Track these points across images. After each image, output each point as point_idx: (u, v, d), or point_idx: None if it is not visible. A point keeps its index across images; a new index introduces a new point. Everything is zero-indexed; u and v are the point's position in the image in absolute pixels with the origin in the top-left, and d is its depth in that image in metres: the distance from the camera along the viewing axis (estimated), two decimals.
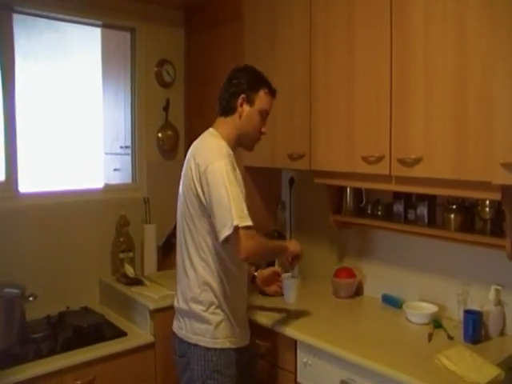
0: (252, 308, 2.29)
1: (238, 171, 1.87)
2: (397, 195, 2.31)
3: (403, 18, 1.93)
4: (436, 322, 2.09)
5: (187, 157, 1.99)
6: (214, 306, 1.89)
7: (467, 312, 1.97)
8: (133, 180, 3.18)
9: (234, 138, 1.97)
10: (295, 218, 2.89)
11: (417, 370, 1.70)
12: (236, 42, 2.78)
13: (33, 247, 2.60)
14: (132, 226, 2.94)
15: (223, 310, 1.90)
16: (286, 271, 2.30)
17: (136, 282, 2.71)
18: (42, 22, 3.09)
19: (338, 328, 2.12)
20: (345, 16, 2.16)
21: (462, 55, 1.74)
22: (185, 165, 2.00)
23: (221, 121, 2.00)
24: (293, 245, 2.06)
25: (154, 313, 2.43)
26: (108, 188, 3.09)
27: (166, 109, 3.20)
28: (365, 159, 2.10)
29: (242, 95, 1.95)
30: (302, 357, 2.07)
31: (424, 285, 2.30)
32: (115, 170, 3.60)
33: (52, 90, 4.13)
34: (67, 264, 2.73)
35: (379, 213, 2.41)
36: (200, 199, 1.83)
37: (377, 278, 2.51)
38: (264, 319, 2.22)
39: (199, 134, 3.31)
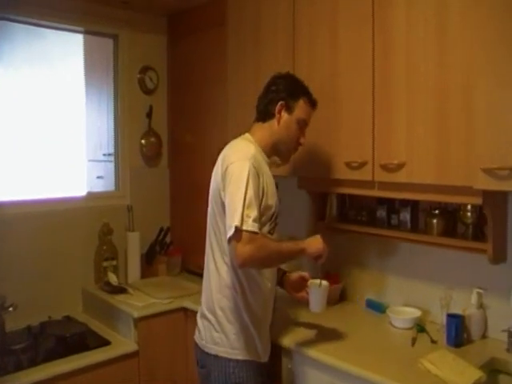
0: None
1: (264, 178, 1.78)
2: (380, 201, 2.32)
3: (385, 25, 1.95)
4: (419, 327, 2.10)
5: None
6: (234, 314, 1.81)
7: (450, 316, 1.98)
8: (116, 187, 3.16)
9: (269, 145, 1.91)
10: (279, 225, 2.88)
11: (400, 374, 1.70)
12: (219, 48, 2.78)
13: (13, 257, 2.56)
14: (115, 233, 2.92)
15: (244, 319, 1.81)
16: (316, 275, 2.06)
17: (120, 290, 2.69)
18: (24, 29, 3.07)
19: (322, 333, 2.12)
20: (328, 23, 2.17)
21: (444, 62, 1.77)
22: (214, 168, 1.92)
23: (257, 126, 1.94)
24: (312, 244, 1.86)
25: (138, 321, 2.41)
26: (91, 196, 3.07)
27: (149, 115, 3.20)
28: (348, 165, 2.11)
29: (281, 102, 1.89)
30: (287, 362, 2.06)
31: (407, 289, 2.31)
32: (98, 177, 3.58)
33: (34, 97, 4.11)
34: (49, 273, 2.70)
35: (363, 218, 2.41)
36: (221, 198, 1.78)
37: (361, 284, 2.51)
38: None
39: (183, 141, 3.32)
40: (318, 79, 2.22)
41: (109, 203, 3.02)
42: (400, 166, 1.92)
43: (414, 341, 1.98)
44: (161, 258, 3.03)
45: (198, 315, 1.95)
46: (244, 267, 1.72)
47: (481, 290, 1.98)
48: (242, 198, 1.66)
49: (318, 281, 1.99)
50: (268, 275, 1.89)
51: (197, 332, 1.94)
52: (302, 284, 2.06)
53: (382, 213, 2.33)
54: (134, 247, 2.92)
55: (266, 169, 1.85)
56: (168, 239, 3.12)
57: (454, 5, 1.73)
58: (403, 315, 2.18)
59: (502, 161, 1.59)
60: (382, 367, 1.75)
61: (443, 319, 2.03)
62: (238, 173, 1.71)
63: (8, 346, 2.19)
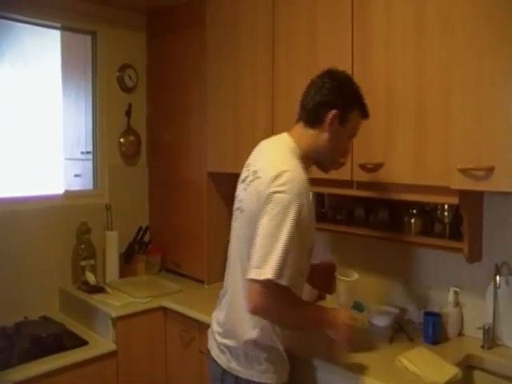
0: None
1: (305, 209, 1.50)
2: (358, 200, 2.34)
3: (364, 25, 1.97)
4: (397, 325, 2.12)
5: (248, 161, 1.75)
6: (265, 339, 1.62)
7: (427, 314, 2.01)
8: (94, 186, 3.11)
9: (312, 155, 1.67)
10: None
11: (378, 371, 1.72)
12: (198, 46, 2.78)
13: None
14: (93, 232, 2.88)
15: (275, 342, 1.64)
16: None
17: (98, 289, 2.66)
18: None
19: (301, 332, 2.12)
20: (306, 21, 2.18)
21: (422, 63, 1.79)
22: (244, 172, 1.72)
23: (302, 130, 1.68)
24: (343, 318, 1.62)
25: (117, 320, 2.39)
26: (68, 194, 3.02)
27: (128, 114, 3.17)
28: None
29: (335, 110, 1.61)
30: None
31: (385, 288, 2.34)
32: (76, 175, 3.54)
33: (10, 94, 4.04)
34: (25, 272, 2.65)
35: (341, 217, 2.43)
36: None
37: None
38: None
39: (162, 139, 3.29)
40: (297, 78, 2.22)
41: (87, 202, 2.98)
42: (378, 166, 1.95)
43: (391, 339, 2.01)
44: (140, 257, 3.01)
45: (216, 333, 1.76)
46: (253, 314, 1.53)
47: (457, 289, 2.02)
48: (280, 242, 1.43)
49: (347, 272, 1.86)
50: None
51: (215, 349, 1.75)
52: (329, 274, 1.88)
53: (360, 212, 2.35)
54: (112, 246, 2.88)
55: (307, 191, 1.56)
56: (147, 238, 3.10)
57: (432, 5, 1.75)
58: (381, 314, 2.20)
59: (478, 161, 1.62)
60: (360, 364, 1.77)
61: (421, 317, 2.06)
62: (284, 210, 1.46)
63: None
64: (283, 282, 1.43)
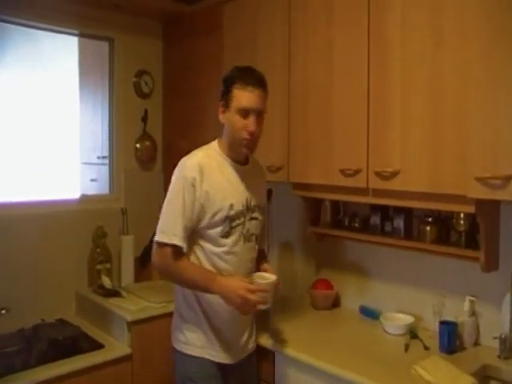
0: None
1: (203, 187, 1.80)
2: (374, 207, 2.35)
3: (380, 33, 1.98)
4: (412, 333, 2.12)
5: None
6: (184, 307, 1.93)
7: (443, 323, 2.00)
8: (110, 191, 3.15)
9: (226, 148, 1.90)
10: (273, 230, 2.89)
11: (393, 380, 1.73)
12: (215, 53, 2.78)
13: (6, 259, 2.55)
14: (109, 237, 2.91)
15: (197, 312, 1.88)
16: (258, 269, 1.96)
17: (113, 293, 2.68)
18: (18, 30, 3.06)
19: (316, 339, 2.13)
20: (323, 29, 2.19)
21: (438, 71, 1.79)
22: None
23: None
24: (235, 288, 1.74)
25: (132, 325, 2.40)
26: (85, 198, 3.06)
27: (144, 119, 3.20)
28: (342, 172, 2.12)
29: (221, 103, 1.85)
30: (280, 368, 2.08)
31: (400, 296, 2.33)
32: (92, 180, 3.57)
33: (28, 99, 4.09)
34: (42, 276, 2.68)
35: (356, 225, 2.43)
36: None
37: (354, 290, 2.53)
38: None
39: (177, 145, 3.33)
40: (314, 87, 2.24)
41: (103, 206, 3.02)
42: (394, 174, 1.95)
43: (406, 347, 2.00)
44: None
45: None
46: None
47: (473, 298, 2.01)
48: (167, 209, 1.84)
49: (264, 274, 1.88)
50: (226, 266, 1.86)
51: None
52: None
53: (375, 220, 2.35)
54: (127, 250, 2.91)
55: (222, 171, 1.87)
56: None
57: (449, 12, 1.75)
58: (396, 322, 2.20)
59: (495, 170, 1.62)
60: (375, 373, 1.77)
61: (436, 326, 2.05)
62: (172, 182, 1.85)
63: (1, 348, 2.18)
64: (175, 241, 1.77)
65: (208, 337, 1.88)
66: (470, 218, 1.98)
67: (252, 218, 1.92)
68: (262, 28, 2.50)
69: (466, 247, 2.00)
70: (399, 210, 2.24)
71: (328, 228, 2.51)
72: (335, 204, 2.51)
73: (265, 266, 1.98)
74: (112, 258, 2.93)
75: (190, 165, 1.83)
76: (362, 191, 2.09)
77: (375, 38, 2.00)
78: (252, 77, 1.82)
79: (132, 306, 2.50)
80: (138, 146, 3.17)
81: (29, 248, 2.65)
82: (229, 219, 1.84)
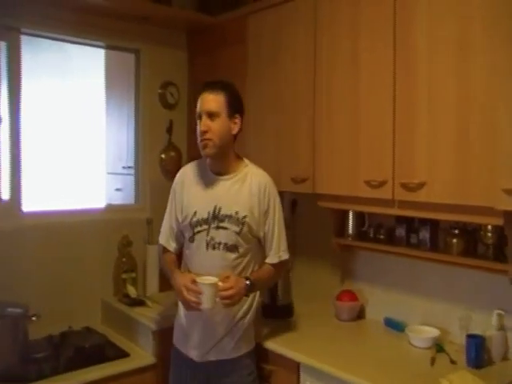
0: (256, 331, 2.29)
1: (184, 191, 2.10)
2: (399, 219, 2.34)
3: (407, 44, 1.98)
4: (438, 346, 2.10)
5: None
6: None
7: (470, 336, 1.98)
8: (136, 200, 3.19)
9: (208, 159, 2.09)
10: (297, 241, 2.90)
11: None
12: (239, 64, 2.81)
13: (36, 267, 2.60)
14: (134, 246, 2.95)
15: (179, 306, 2.12)
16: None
17: (138, 302, 2.71)
18: (46, 42, 3.13)
19: (341, 351, 2.12)
20: (349, 42, 2.20)
21: (466, 81, 1.79)
22: None
23: None
24: (180, 282, 1.90)
25: (157, 334, 2.42)
26: (111, 208, 3.11)
27: (169, 130, 3.23)
28: (368, 183, 2.12)
29: None
30: (305, 379, 2.07)
31: (426, 309, 2.31)
32: (117, 189, 3.63)
33: (55, 109, 4.19)
34: (69, 283, 2.73)
35: (381, 236, 2.43)
36: None
37: (379, 302, 2.52)
38: (267, 342, 2.22)
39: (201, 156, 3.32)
40: (339, 98, 2.25)
41: (128, 216, 3.05)
42: (420, 186, 1.94)
43: (433, 360, 1.98)
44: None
45: None
46: None
47: (501, 312, 1.98)
48: (165, 217, 2.19)
49: (207, 278, 1.89)
50: (192, 269, 2.05)
51: None
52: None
53: (401, 231, 2.34)
54: (152, 260, 2.93)
55: (200, 180, 2.09)
56: None
57: (477, 23, 1.75)
58: (422, 334, 2.18)
59: None
60: None
61: (463, 340, 2.02)
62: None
63: (31, 354, 2.22)
64: (160, 240, 2.17)
65: (183, 331, 2.10)
66: (498, 230, 1.95)
67: (219, 227, 2.00)
68: (286, 39, 2.52)
69: (494, 260, 1.98)
70: (425, 222, 2.22)
71: (353, 239, 2.51)
72: (360, 215, 2.50)
73: (228, 272, 1.94)
74: (137, 268, 2.96)
75: (178, 173, 2.19)
76: (388, 203, 2.09)
77: (401, 49, 2.00)
78: (206, 84, 2.05)
79: (157, 316, 2.52)
80: (163, 156, 3.21)
81: (57, 256, 2.70)
82: (191, 225, 2.03)
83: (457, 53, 1.82)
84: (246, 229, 2.00)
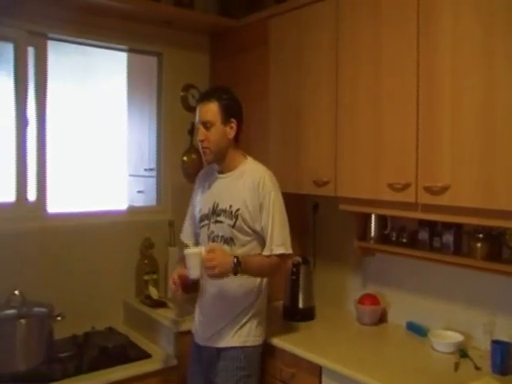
0: (277, 333, 2.30)
1: (198, 190, 2.34)
2: (422, 223, 2.31)
3: (430, 47, 1.96)
4: (462, 352, 2.07)
5: None
6: None
7: (495, 342, 1.95)
8: (157, 202, 3.22)
9: None
10: (319, 244, 2.90)
11: None
12: (261, 67, 2.82)
13: (60, 267, 2.65)
14: (156, 248, 2.98)
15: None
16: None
17: (160, 304, 2.73)
18: (70, 46, 3.18)
19: (363, 355, 2.12)
20: (371, 44, 2.19)
21: (490, 83, 1.76)
22: None
23: None
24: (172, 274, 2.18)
25: (179, 336, 2.43)
26: (133, 210, 3.14)
27: (190, 132, 3.24)
28: (390, 186, 2.11)
29: None
30: (327, 383, 2.07)
31: (449, 313, 2.29)
32: (139, 191, 3.66)
33: (78, 112, 4.24)
34: (92, 284, 2.76)
35: (404, 240, 2.41)
36: None
37: (401, 306, 2.50)
38: (288, 345, 2.23)
39: None
40: (362, 101, 2.24)
41: (151, 218, 3.08)
42: (444, 189, 1.92)
43: (456, 366, 1.96)
44: None
45: None
46: None
47: None
48: None
49: (193, 248, 2.12)
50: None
51: None
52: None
53: (424, 235, 2.31)
54: (174, 262, 2.92)
55: (208, 179, 2.28)
56: None
57: (501, 23, 1.73)
58: (446, 339, 2.16)
59: None
60: None
61: (487, 345, 2.00)
62: None
63: (56, 353, 2.25)
64: (181, 238, 2.41)
65: (196, 315, 2.28)
66: None
67: (217, 221, 2.15)
68: (308, 42, 2.52)
69: None
70: (448, 226, 2.20)
71: (375, 243, 2.49)
72: (382, 218, 2.48)
73: (215, 245, 2.11)
74: (159, 269, 2.98)
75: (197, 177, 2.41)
76: (411, 206, 2.07)
77: (424, 50, 1.98)
78: (201, 95, 2.20)
79: (178, 317, 2.54)
80: (184, 158, 3.22)
81: (81, 257, 2.74)
82: (198, 220, 2.25)
83: (481, 53, 1.79)
84: (239, 222, 2.10)
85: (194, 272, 1.99)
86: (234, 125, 2.15)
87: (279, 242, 2.10)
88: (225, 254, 2.01)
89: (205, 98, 2.14)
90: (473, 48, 1.82)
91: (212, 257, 1.95)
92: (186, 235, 2.38)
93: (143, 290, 2.87)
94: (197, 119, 2.16)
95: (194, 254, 2.00)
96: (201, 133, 2.12)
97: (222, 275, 1.98)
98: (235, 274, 2.00)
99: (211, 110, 2.11)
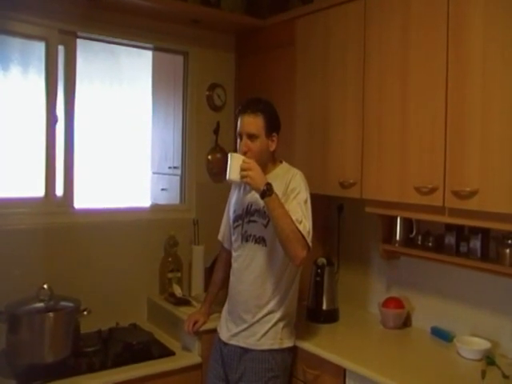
0: (300, 335, 2.30)
1: (232, 195, 2.41)
2: (449, 227, 2.29)
3: (460, 51, 1.94)
4: (489, 359, 2.04)
5: None
6: None
7: None
8: (181, 201, 3.24)
9: None
10: (343, 245, 2.89)
11: None
12: (287, 67, 2.82)
13: (86, 262, 2.69)
14: (180, 246, 2.99)
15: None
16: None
17: (184, 302, 2.74)
18: (98, 45, 3.22)
19: (388, 358, 2.11)
20: (399, 46, 2.17)
21: None
22: None
23: None
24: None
25: (202, 334, 2.45)
26: (157, 208, 3.17)
27: (216, 132, 3.25)
28: (417, 190, 2.09)
29: None
30: None
31: (475, 319, 2.26)
32: (162, 189, 3.69)
33: (104, 110, 4.30)
34: (117, 280, 2.79)
35: (430, 244, 2.38)
36: None
37: (426, 310, 2.48)
38: (312, 346, 2.22)
39: None
40: (389, 103, 2.23)
41: (174, 216, 3.09)
42: (473, 193, 1.89)
43: (483, 373, 1.93)
44: None
45: None
46: None
47: None
48: None
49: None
50: (234, 259, 2.30)
51: None
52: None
53: (450, 239, 2.29)
54: (198, 260, 2.97)
55: (239, 185, 2.30)
56: None
57: None
58: (472, 346, 2.13)
59: None
60: None
61: None
62: None
63: (82, 347, 2.29)
64: (219, 237, 2.54)
65: (223, 312, 2.34)
66: None
67: (250, 221, 2.21)
68: (335, 43, 2.51)
69: None
70: (476, 230, 2.17)
71: (400, 246, 2.47)
72: (408, 221, 2.46)
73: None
74: (183, 267, 3.00)
75: None
76: (438, 210, 2.05)
77: (454, 53, 1.96)
78: (246, 106, 2.17)
79: None
80: (209, 157, 3.23)
81: (106, 252, 2.77)
82: (232, 221, 2.32)
83: None
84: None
85: (231, 174, 2.06)
86: (275, 138, 2.20)
87: (306, 229, 2.05)
88: (262, 173, 2.05)
89: (250, 109, 2.15)
90: (504, 52, 1.79)
91: (251, 165, 2.01)
92: (221, 235, 2.52)
93: (167, 287, 2.89)
94: (239, 129, 2.17)
95: (238, 156, 2.07)
96: (244, 144, 2.14)
97: (252, 182, 2.01)
98: (263, 195, 2.00)
99: (257, 124, 2.13)
